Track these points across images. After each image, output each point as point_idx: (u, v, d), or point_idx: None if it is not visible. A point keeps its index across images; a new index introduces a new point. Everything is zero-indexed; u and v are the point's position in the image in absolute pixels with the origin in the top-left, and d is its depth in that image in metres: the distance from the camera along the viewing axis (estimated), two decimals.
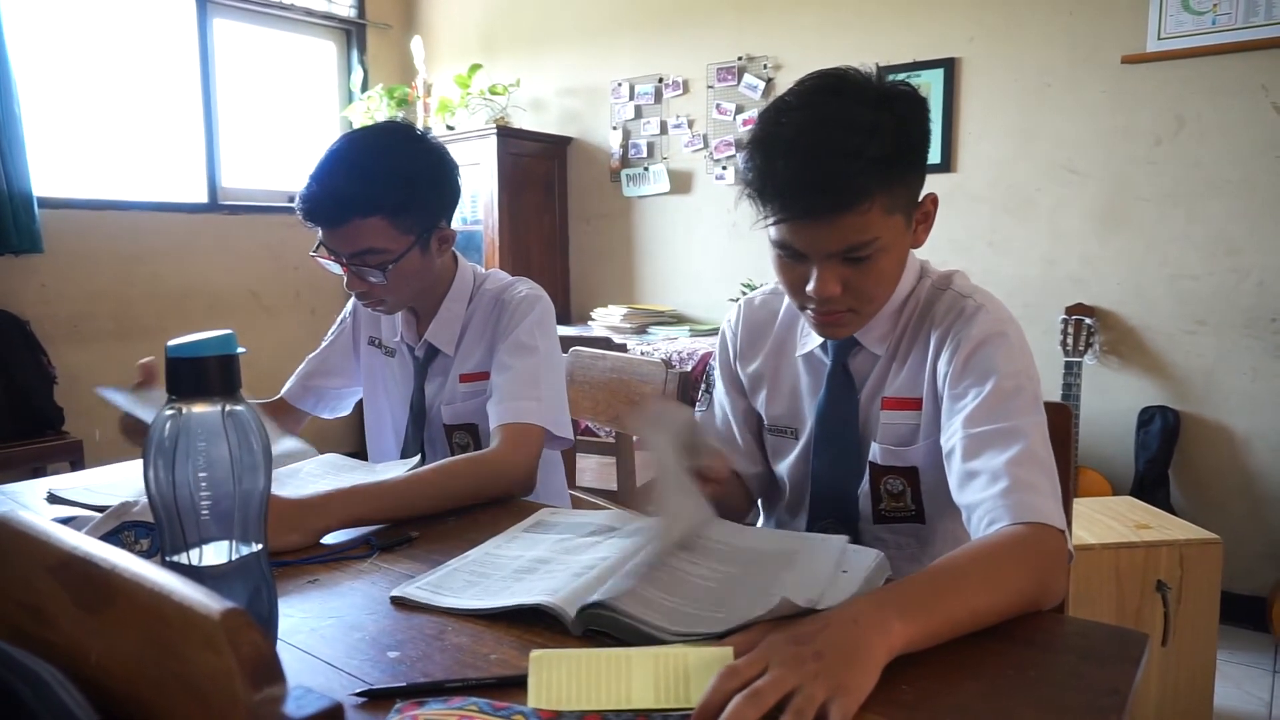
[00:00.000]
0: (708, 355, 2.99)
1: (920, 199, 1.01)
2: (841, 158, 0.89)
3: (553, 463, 1.53)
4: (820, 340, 1.11)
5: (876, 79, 0.96)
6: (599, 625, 0.75)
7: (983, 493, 0.90)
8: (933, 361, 1.04)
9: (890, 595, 0.74)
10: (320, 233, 1.30)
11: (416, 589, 0.85)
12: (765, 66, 3.38)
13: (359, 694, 0.66)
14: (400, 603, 0.84)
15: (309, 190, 1.26)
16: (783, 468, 1.20)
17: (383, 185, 1.26)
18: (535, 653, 0.68)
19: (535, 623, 0.78)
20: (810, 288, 0.96)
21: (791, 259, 0.98)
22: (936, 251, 3.04)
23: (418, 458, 1.34)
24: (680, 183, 3.65)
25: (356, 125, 1.23)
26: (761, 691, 0.60)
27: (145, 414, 1.11)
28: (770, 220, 0.95)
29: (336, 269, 1.32)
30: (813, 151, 0.90)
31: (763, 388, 1.19)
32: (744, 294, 1.49)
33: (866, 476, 1.10)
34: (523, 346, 1.35)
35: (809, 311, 1.02)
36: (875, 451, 1.08)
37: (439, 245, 1.37)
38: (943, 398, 1.01)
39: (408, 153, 1.31)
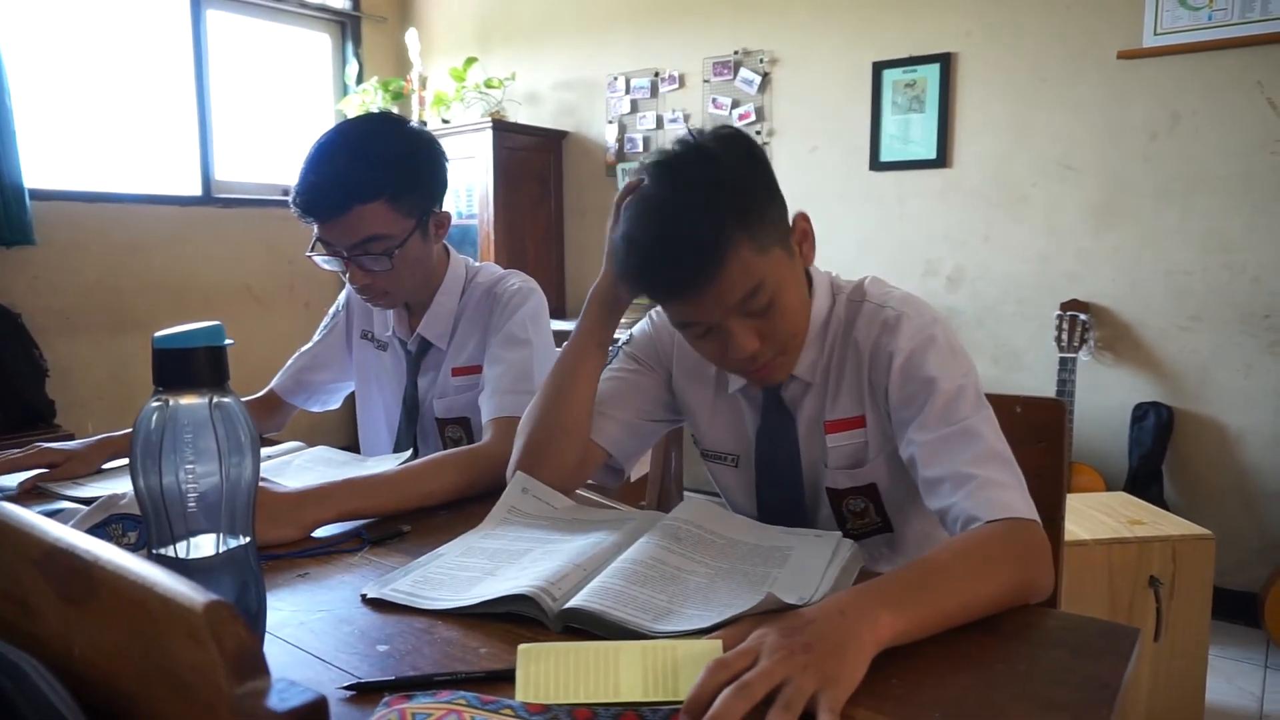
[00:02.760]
0: None
1: (792, 223, 1.01)
2: (685, 231, 0.91)
3: None
4: None
5: (700, 137, 0.98)
6: (579, 623, 0.75)
7: (951, 497, 0.90)
8: (868, 377, 1.04)
9: (877, 588, 0.74)
10: (315, 229, 1.29)
11: (392, 590, 0.84)
12: (761, 61, 3.38)
13: (346, 687, 0.66)
14: (376, 602, 0.83)
15: (306, 182, 1.24)
16: (724, 489, 1.21)
17: (382, 169, 1.25)
18: (523, 646, 0.68)
19: (525, 617, 0.78)
20: (731, 353, 0.97)
21: (700, 335, 0.99)
22: (932, 246, 3.06)
23: (409, 452, 1.34)
24: None
25: (350, 118, 1.23)
26: (751, 684, 0.60)
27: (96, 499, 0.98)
28: (656, 305, 0.98)
29: (335, 266, 1.31)
30: (665, 238, 0.93)
31: (700, 417, 1.18)
32: None
33: (827, 502, 1.10)
34: (515, 340, 1.35)
35: (739, 372, 1.04)
36: (830, 477, 1.08)
37: (436, 230, 1.37)
38: (887, 413, 1.02)
39: (400, 136, 1.31)
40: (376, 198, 1.25)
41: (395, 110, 3.92)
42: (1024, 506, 0.88)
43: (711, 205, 0.92)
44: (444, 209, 1.39)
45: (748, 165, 0.97)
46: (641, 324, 1.22)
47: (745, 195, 0.94)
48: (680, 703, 0.61)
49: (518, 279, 1.44)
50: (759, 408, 1.12)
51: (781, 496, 1.12)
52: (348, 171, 1.24)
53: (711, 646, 0.66)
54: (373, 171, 1.25)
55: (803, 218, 1.03)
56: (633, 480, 1.90)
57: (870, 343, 1.03)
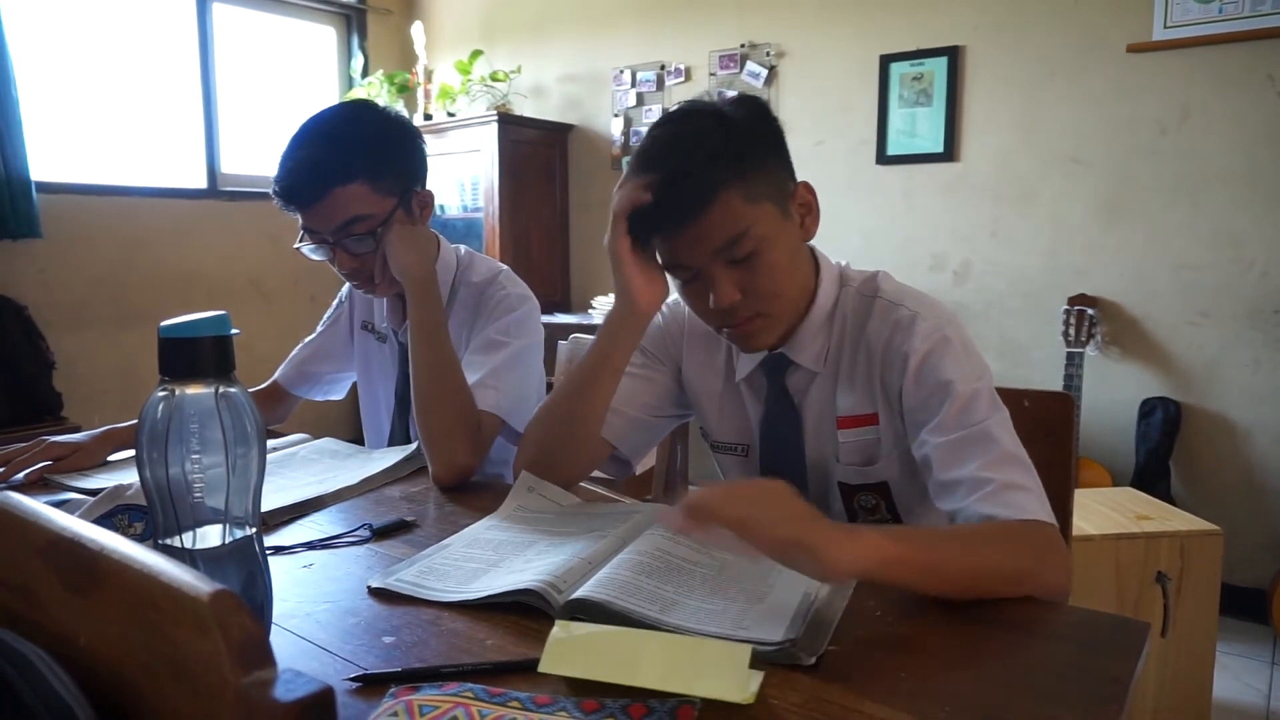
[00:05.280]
0: None
1: (792, 189, 1.01)
2: (681, 161, 0.95)
3: None
4: (756, 362, 1.10)
5: (713, 97, 1.03)
6: (585, 614, 0.74)
7: (965, 500, 0.90)
8: (881, 376, 1.03)
9: (869, 525, 0.84)
10: (300, 220, 1.29)
11: (397, 581, 0.84)
12: (768, 54, 3.36)
13: (353, 679, 0.65)
14: (382, 594, 0.83)
15: (284, 171, 1.27)
16: (732, 480, 1.20)
17: (356, 150, 1.27)
18: (560, 622, 0.68)
19: (532, 608, 0.78)
20: (711, 303, 0.98)
21: (687, 280, 1.01)
22: (938, 241, 3.04)
23: (415, 445, 1.33)
24: None
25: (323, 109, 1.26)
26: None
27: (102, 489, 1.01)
28: (639, 236, 1.01)
29: (322, 255, 1.32)
30: (659, 168, 0.97)
31: (708, 409, 1.18)
32: None
33: (839, 497, 1.10)
34: (492, 343, 1.34)
35: (725, 331, 1.04)
36: (841, 472, 1.08)
37: (421, 211, 1.36)
38: (901, 413, 1.01)
39: (372, 119, 1.32)
40: (354, 179, 1.26)
41: (401, 104, 3.92)
42: (1040, 510, 0.87)
43: (706, 144, 0.95)
44: (427, 189, 1.38)
45: (753, 118, 0.99)
46: (654, 319, 1.21)
47: (743, 143, 0.96)
48: (692, 699, 0.61)
49: (510, 285, 1.41)
50: (763, 397, 1.11)
51: (783, 479, 1.12)
52: (323, 156, 1.25)
53: (740, 650, 0.65)
54: (347, 154, 1.26)
55: (805, 188, 1.03)
56: (638, 473, 1.89)
57: (883, 342, 1.02)
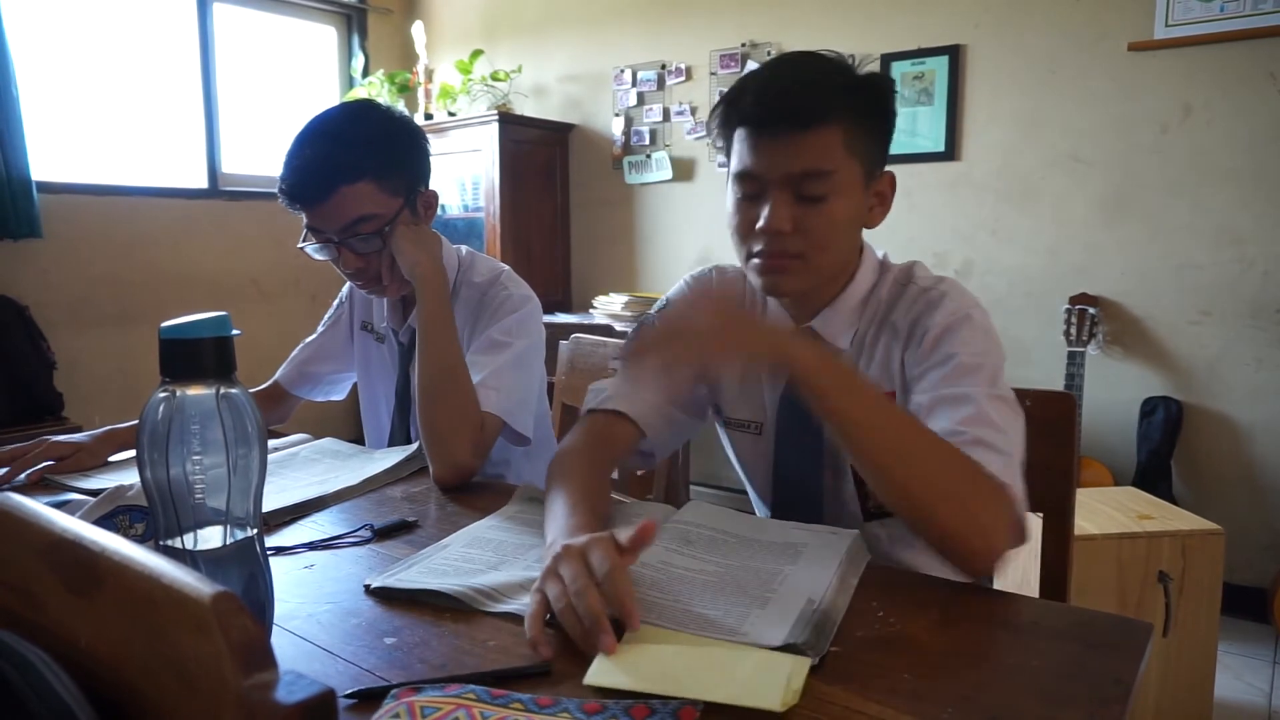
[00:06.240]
0: None
1: (880, 173, 1.03)
2: (808, 78, 0.98)
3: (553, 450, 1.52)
4: None
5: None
6: None
7: None
8: (901, 354, 1.03)
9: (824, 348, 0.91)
10: (304, 219, 1.29)
11: (395, 580, 0.83)
12: (769, 53, 3.36)
13: (349, 695, 0.64)
14: (381, 593, 0.82)
15: (289, 170, 1.26)
16: (744, 460, 1.20)
17: (363, 149, 1.26)
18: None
19: None
20: (761, 222, 0.97)
21: (748, 197, 1.00)
22: (940, 240, 3.04)
23: (416, 445, 1.33)
24: (683, 170, 3.63)
25: (328, 107, 1.26)
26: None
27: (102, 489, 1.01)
28: (735, 130, 1.00)
29: (326, 255, 1.31)
30: (782, 74, 1.00)
31: (725, 384, 1.17)
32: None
33: (851, 480, 1.09)
34: (494, 344, 1.33)
35: (755, 261, 1.02)
36: None
37: (425, 211, 1.36)
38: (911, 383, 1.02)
39: (378, 118, 1.32)
40: (360, 178, 1.26)
41: (402, 103, 3.92)
42: (1006, 475, 0.87)
43: (836, 75, 0.98)
44: (432, 189, 1.38)
45: (881, 87, 1.01)
46: (678, 286, 1.21)
47: (865, 96, 0.98)
48: (694, 701, 0.60)
49: (512, 286, 1.40)
50: (784, 375, 1.10)
51: (799, 468, 1.11)
52: (330, 155, 1.25)
53: (782, 659, 0.66)
54: (354, 153, 1.26)
55: (890, 180, 1.04)
56: (640, 473, 1.89)
57: (911, 320, 1.03)
